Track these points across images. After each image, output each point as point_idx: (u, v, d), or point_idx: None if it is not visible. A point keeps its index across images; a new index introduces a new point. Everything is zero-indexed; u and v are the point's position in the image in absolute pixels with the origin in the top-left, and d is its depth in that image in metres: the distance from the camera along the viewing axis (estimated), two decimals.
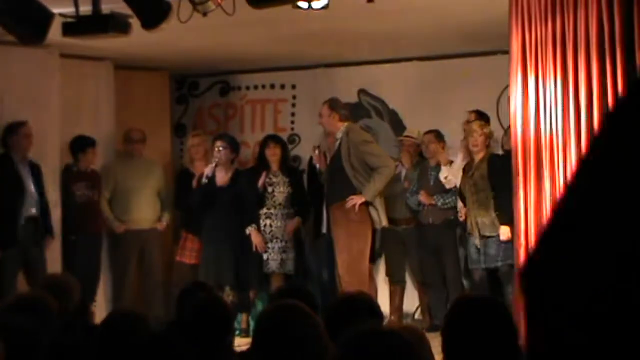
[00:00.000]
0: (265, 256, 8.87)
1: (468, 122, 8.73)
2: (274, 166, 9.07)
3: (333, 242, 8.26)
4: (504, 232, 7.91)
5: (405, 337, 2.76)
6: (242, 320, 8.99)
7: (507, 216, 7.69)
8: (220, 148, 9.02)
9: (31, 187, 8.25)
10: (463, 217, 8.45)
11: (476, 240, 8.15)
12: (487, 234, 8.10)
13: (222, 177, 9.04)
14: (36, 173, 8.35)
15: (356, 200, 8.03)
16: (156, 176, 9.51)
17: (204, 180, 8.98)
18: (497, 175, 8.04)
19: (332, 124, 8.33)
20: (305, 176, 9.65)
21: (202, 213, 9.03)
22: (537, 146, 6.60)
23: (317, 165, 8.75)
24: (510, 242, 7.82)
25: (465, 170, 8.44)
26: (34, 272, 8.04)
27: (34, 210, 8.26)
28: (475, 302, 3.29)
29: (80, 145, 8.96)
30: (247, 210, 8.93)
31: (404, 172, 9.11)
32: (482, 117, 8.81)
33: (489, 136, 8.39)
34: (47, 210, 8.42)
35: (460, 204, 8.55)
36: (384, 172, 8.13)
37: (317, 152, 8.75)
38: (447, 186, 8.74)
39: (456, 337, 3.07)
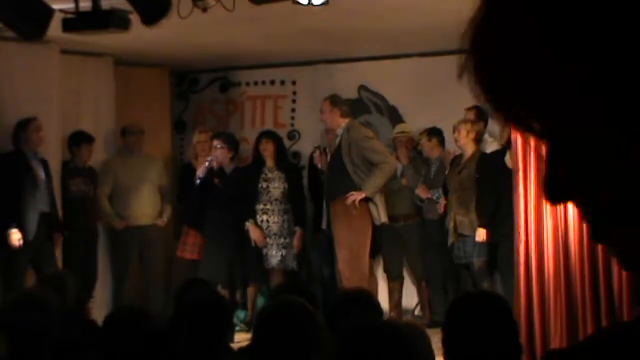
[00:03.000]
0: (264, 251, 8.88)
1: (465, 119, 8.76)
2: (269, 162, 9.07)
3: (333, 238, 8.26)
4: (480, 234, 8.08)
5: (404, 331, 2.76)
6: (247, 316, 9.00)
7: (485, 219, 7.93)
8: (217, 147, 9.06)
9: (43, 183, 8.30)
10: (442, 210, 8.53)
11: (450, 238, 8.27)
12: (465, 233, 8.22)
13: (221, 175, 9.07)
14: (46, 169, 8.40)
15: (356, 195, 8.04)
16: (156, 172, 9.50)
17: (197, 181, 9.02)
18: (484, 176, 8.11)
19: (334, 120, 8.33)
20: (305, 173, 9.67)
21: (203, 209, 9.04)
22: (537, 142, 6.60)
23: (319, 165, 8.76)
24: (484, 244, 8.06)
25: (453, 164, 8.52)
26: (45, 268, 8.08)
27: (46, 206, 8.31)
28: (476, 298, 3.30)
29: (75, 140, 8.97)
30: (244, 207, 8.94)
31: (400, 168, 9.11)
32: (480, 114, 8.81)
33: (472, 131, 8.39)
34: (56, 207, 8.47)
35: (442, 198, 8.61)
36: (384, 168, 8.14)
37: (318, 152, 8.76)
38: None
39: (457, 332, 3.08)
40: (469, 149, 8.35)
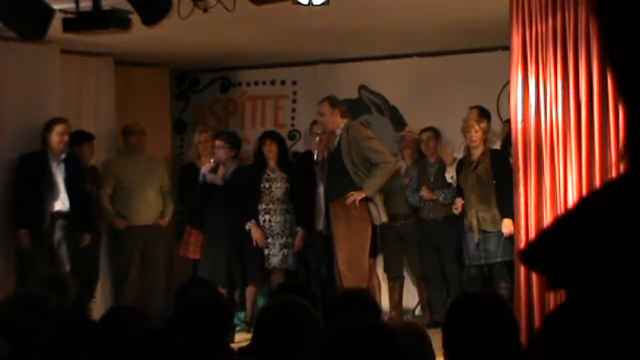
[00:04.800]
0: (266, 252, 8.88)
1: (470, 119, 8.75)
2: (272, 162, 9.07)
3: (332, 238, 8.25)
4: (507, 224, 7.91)
5: (394, 331, 2.76)
6: (246, 315, 9.00)
7: (509, 210, 7.75)
8: (219, 146, 9.04)
9: (60, 183, 8.36)
10: (459, 211, 8.42)
11: (475, 236, 8.16)
12: (488, 229, 8.11)
13: (222, 174, 9.05)
14: (72, 169, 8.48)
15: (356, 196, 8.04)
16: (158, 172, 9.49)
17: (200, 179, 9.01)
18: (500, 170, 8.06)
19: (334, 121, 8.30)
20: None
21: (205, 209, 9.04)
22: (538, 142, 6.61)
23: (316, 152, 8.58)
24: (511, 238, 7.87)
25: (463, 164, 8.46)
26: (57, 267, 8.16)
27: (62, 206, 8.37)
28: (476, 298, 3.30)
29: (76, 139, 8.97)
30: (245, 207, 8.93)
31: (404, 168, 9.10)
32: (483, 113, 8.80)
33: (486, 131, 8.41)
34: (83, 206, 8.54)
35: (458, 198, 8.50)
36: (385, 167, 8.14)
37: (318, 138, 8.55)
38: (454, 185, 8.72)
39: (457, 332, 3.08)
40: (480, 148, 8.33)
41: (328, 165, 8.43)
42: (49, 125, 8.41)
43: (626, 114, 1.14)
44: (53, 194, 8.34)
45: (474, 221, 8.16)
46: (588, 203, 1.16)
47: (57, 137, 8.39)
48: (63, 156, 8.46)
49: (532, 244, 1.18)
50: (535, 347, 1.20)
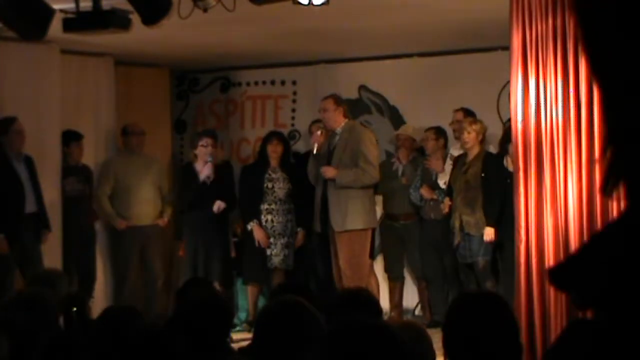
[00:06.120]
0: (268, 252, 8.89)
1: (457, 121, 8.77)
2: (274, 162, 9.07)
3: (330, 237, 8.23)
4: (489, 233, 8.04)
5: (393, 331, 2.76)
6: (249, 315, 9.01)
7: (493, 218, 7.89)
8: (210, 144, 9.03)
9: (28, 184, 8.22)
10: (446, 211, 8.47)
11: (456, 238, 8.27)
12: (471, 232, 8.18)
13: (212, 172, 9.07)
14: (31, 168, 8.32)
15: (329, 172, 8.02)
16: (156, 172, 9.49)
17: (205, 178, 8.98)
18: (490, 175, 8.10)
19: (336, 119, 8.27)
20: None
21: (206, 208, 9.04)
22: (538, 142, 6.60)
23: (316, 145, 8.36)
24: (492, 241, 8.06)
25: (457, 163, 8.48)
26: (32, 268, 8.02)
27: (33, 207, 8.25)
28: (476, 298, 3.30)
29: (64, 139, 8.93)
30: (248, 206, 8.96)
31: (400, 168, 9.10)
32: (469, 114, 8.80)
33: (480, 132, 8.40)
34: (43, 205, 8.39)
35: (446, 198, 8.55)
36: (364, 175, 8.07)
37: (319, 132, 8.40)
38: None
39: (457, 332, 3.08)
40: (475, 149, 8.34)
41: (325, 164, 8.41)
42: (3, 126, 8.17)
43: (601, 96, 1.15)
44: (24, 195, 8.17)
45: (457, 224, 8.24)
46: (618, 224, 1.16)
47: (17, 136, 8.20)
48: (22, 155, 8.28)
49: (562, 264, 1.19)
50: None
